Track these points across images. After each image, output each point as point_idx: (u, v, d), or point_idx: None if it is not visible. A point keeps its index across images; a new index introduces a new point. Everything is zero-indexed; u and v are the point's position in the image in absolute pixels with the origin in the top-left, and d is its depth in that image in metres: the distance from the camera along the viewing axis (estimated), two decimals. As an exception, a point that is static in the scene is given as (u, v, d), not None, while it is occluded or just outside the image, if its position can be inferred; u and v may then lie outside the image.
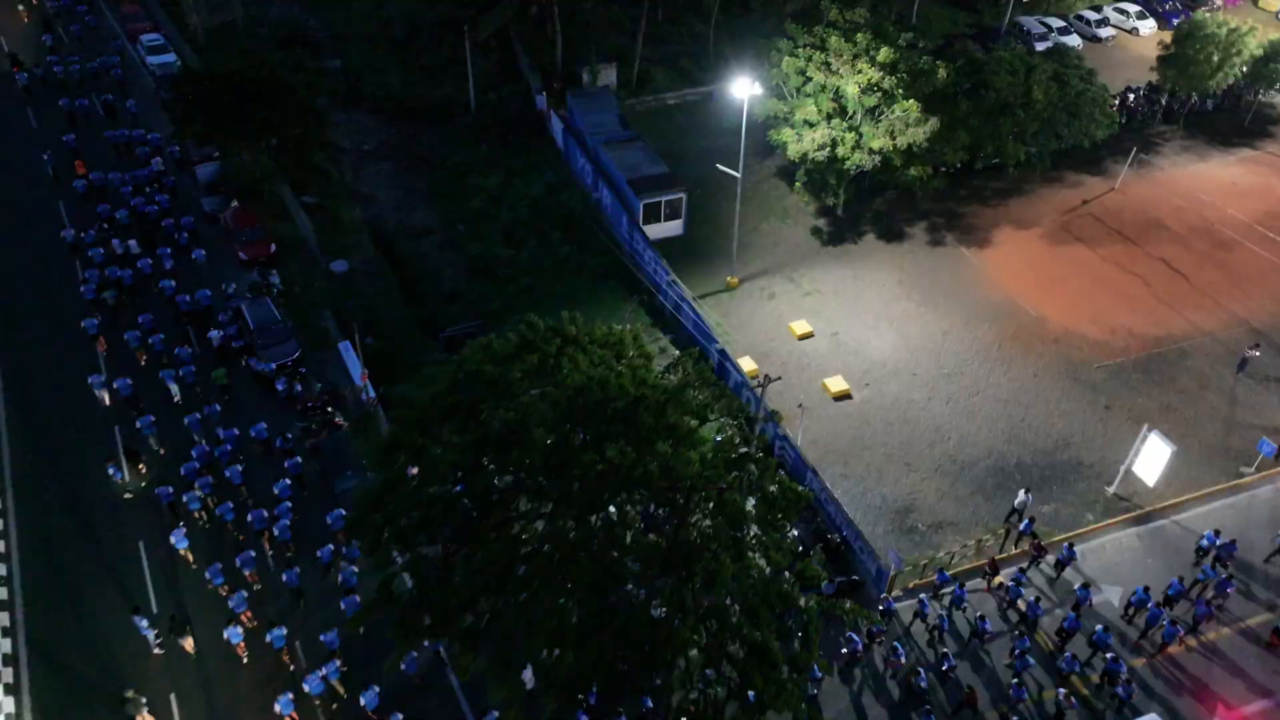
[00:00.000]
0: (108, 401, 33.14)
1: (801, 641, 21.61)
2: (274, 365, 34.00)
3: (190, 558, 28.27)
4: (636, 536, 21.63)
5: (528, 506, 22.91)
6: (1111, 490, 32.55)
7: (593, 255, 43.97)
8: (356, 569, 27.07)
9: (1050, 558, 29.46)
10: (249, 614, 26.62)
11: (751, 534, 22.11)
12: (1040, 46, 56.80)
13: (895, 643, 26.66)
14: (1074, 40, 61.06)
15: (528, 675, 22.60)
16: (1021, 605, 28.11)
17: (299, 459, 30.37)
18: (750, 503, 22.84)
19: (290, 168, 43.36)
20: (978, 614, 27.57)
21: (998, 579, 29.05)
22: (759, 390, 29.02)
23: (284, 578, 27.10)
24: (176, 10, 59.51)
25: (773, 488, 22.88)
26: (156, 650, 25.67)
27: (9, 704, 24.49)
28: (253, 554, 27.76)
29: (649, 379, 24.43)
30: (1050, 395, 36.78)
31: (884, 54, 39.97)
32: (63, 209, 42.16)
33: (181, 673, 25.86)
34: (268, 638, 25.50)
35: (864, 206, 46.76)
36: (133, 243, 39.75)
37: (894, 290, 42.03)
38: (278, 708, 23.92)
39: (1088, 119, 46.42)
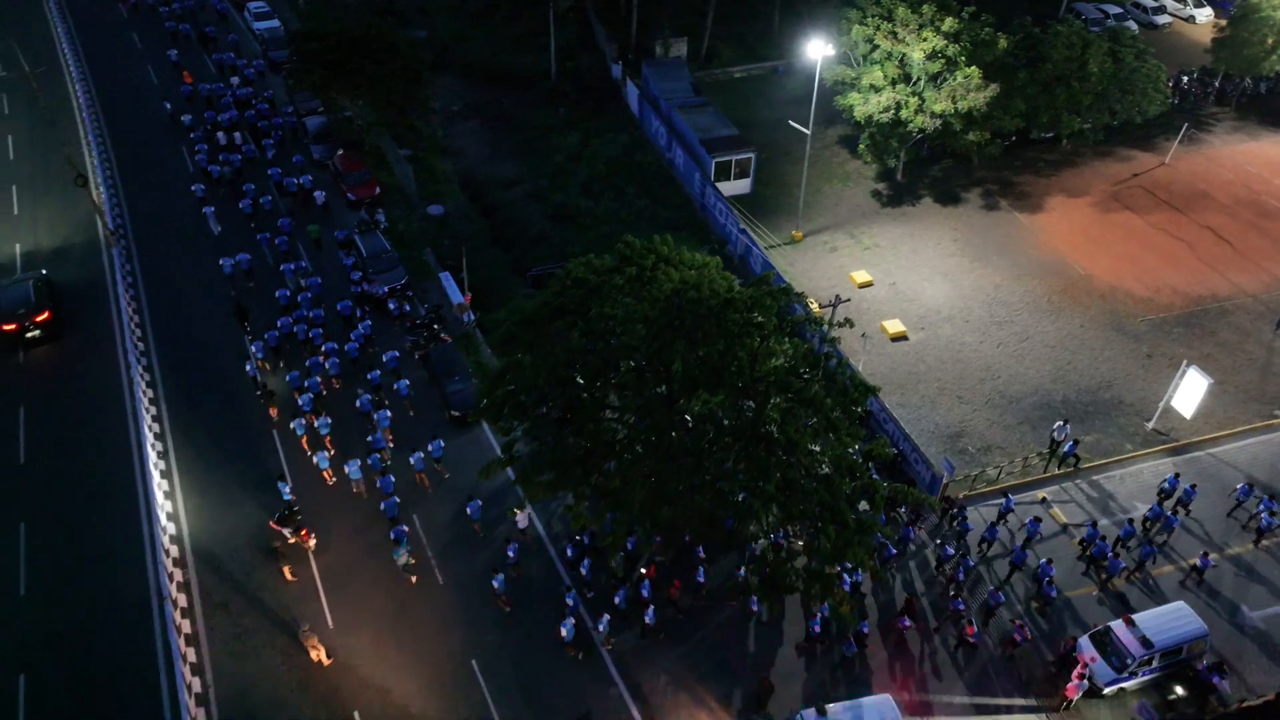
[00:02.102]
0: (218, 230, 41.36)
1: (869, 505, 24.70)
2: (385, 289, 37.73)
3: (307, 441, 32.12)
4: (726, 413, 24.74)
5: (628, 391, 26.18)
6: (1150, 425, 35.07)
7: (666, 209, 47.24)
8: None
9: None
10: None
11: (826, 416, 25.13)
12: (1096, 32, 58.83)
13: (942, 541, 29.54)
14: (1131, 25, 62.79)
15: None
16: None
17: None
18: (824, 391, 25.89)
19: (391, 121, 47.34)
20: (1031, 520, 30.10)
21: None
22: (830, 308, 32.04)
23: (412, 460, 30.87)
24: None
25: (845, 379, 25.93)
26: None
27: (175, 549, 28.44)
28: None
29: (734, 290, 27.59)
30: (1095, 343, 39.31)
31: (948, 23, 42.70)
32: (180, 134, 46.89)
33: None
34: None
35: (922, 173, 49.48)
36: (237, 135, 46.31)
37: (949, 247, 44.76)
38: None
39: (1141, 95, 48.59)
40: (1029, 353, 38.84)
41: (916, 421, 35.30)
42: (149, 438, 31.38)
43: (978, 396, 36.83)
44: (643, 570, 27.24)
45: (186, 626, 26.47)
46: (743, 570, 27.62)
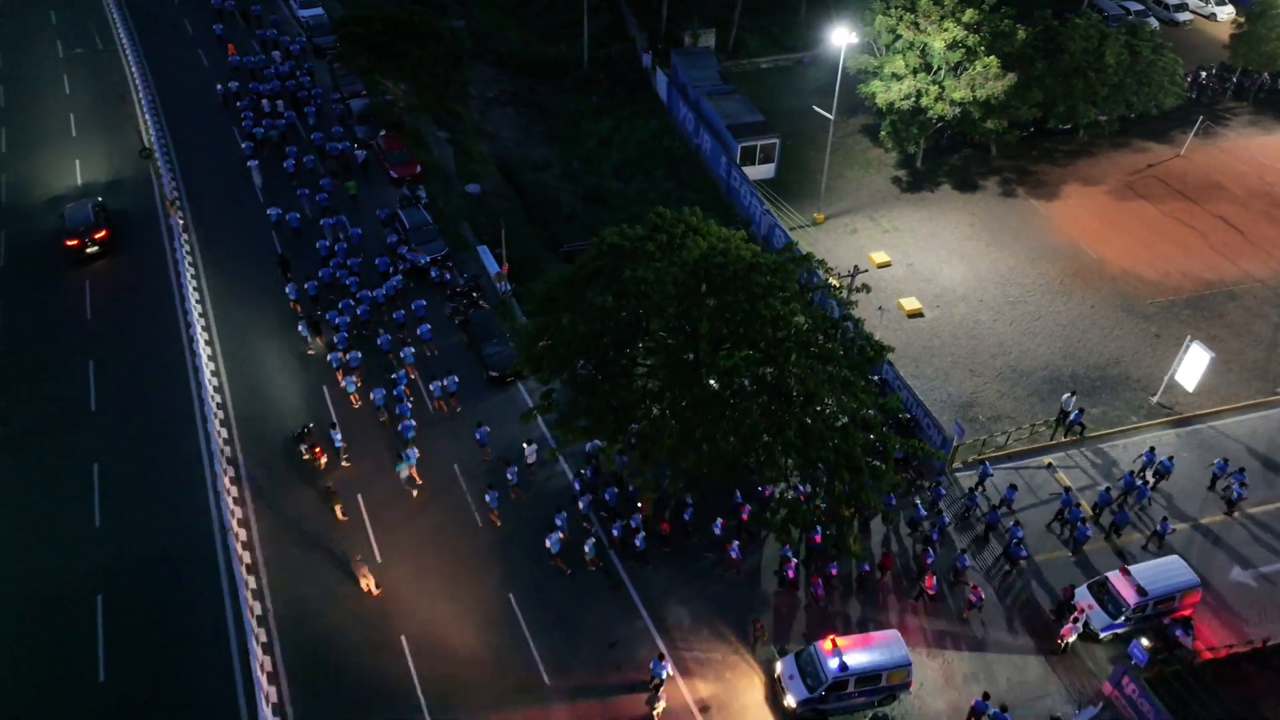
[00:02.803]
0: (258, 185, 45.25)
1: (881, 457, 26.53)
2: (427, 258, 39.92)
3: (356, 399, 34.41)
4: (749, 368, 26.61)
5: (658, 347, 28.16)
6: (1155, 399, 36.60)
7: (693, 191, 49.10)
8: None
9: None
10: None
11: (842, 373, 26.98)
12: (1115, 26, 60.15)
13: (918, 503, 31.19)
14: (1151, 23, 63.96)
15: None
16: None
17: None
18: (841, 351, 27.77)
19: (431, 104, 49.57)
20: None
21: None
22: (849, 278, 33.85)
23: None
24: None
25: (861, 341, 27.79)
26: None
27: (234, 489, 30.76)
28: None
29: (759, 256, 29.50)
30: (1105, 323, 40.84)
31: (969, 15, 44.33)
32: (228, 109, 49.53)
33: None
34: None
35: (941, 161, 51.10)
36: (280, 103, 49.64)
37: (966, 231, 46.39)
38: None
39: (1157, 87, 49.95)
40: (1040, 330, 40.44)
41: (930, 391, 37.00)
42: (203, 358, 34.98)
43: (989, 370, 38.49)
44: (639, 505, 29.65)
45: (247, 557, 28.73)
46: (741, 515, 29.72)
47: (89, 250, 39.94)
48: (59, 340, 36.80)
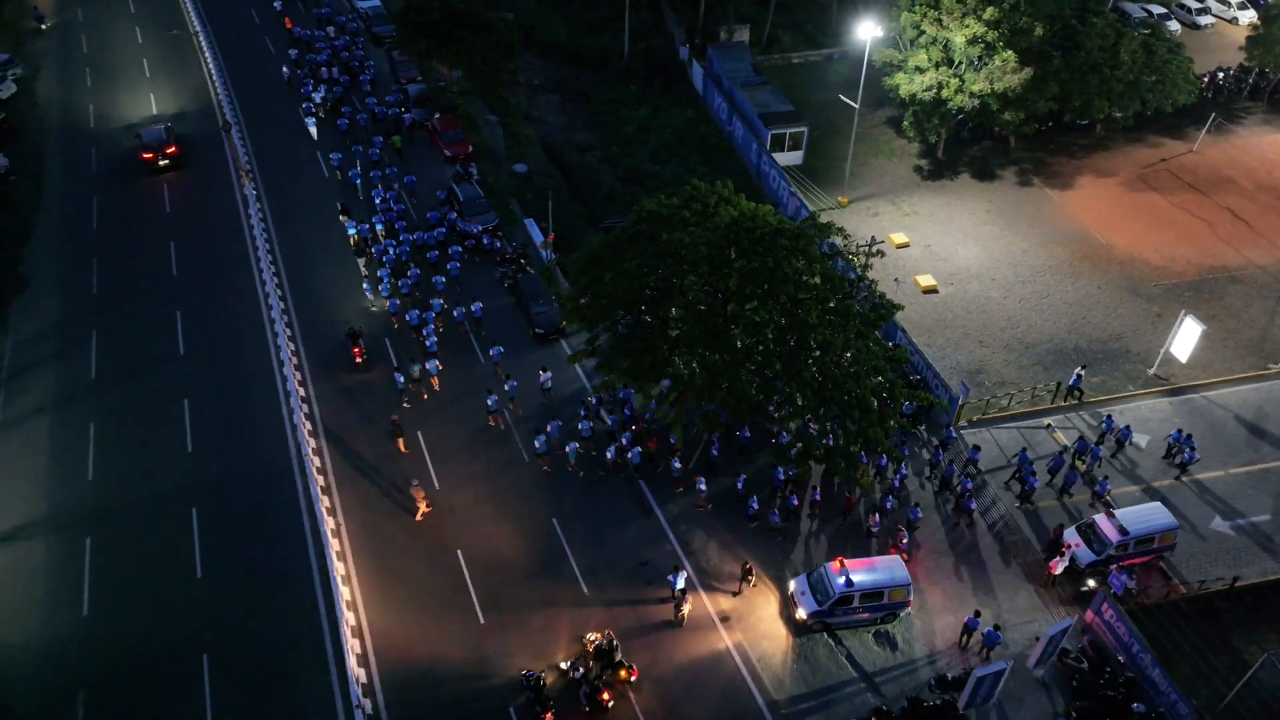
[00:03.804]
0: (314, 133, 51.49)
1: (889, 401, 29.64)
2: (479, 228, 43.50)
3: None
4: (773, 318, 29.77)
5: (691, 299, 31.45)
6: (1152, 371, 39.27)
7: (725, 175, 51.75)
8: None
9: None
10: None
11: (856, 325, 30.08)
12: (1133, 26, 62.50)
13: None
14: (1174, 26, 66.29)
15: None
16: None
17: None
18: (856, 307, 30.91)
19: (483, 89, 53.21)
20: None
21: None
22: (867, 248, 36.88)
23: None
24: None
25: (874, 299, 30.91)
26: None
27: (308, 423, 34.48)
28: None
29: (784, 222, 32.70)
30: (1110, 302, 43.50)
31: (989, 12, 47.11)
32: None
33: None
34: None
35: (961, 152, 53.87)
36: (335, 70, 55.57)
37: (982, 216, 49.19)
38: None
39: (1171, 85, 52.38)
40: (1048, 307, 43.19)
41: (941, 359, 39.91)
42: (276, 302, 39.70)
43: (997, 342, 41.34)
44: (633, 428, 33.86)
45: (321, 480, 32.38)
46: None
47: (161, 163, 48.06)
48: (146, 228, 44.66)
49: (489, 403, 34.50)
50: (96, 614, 28.64)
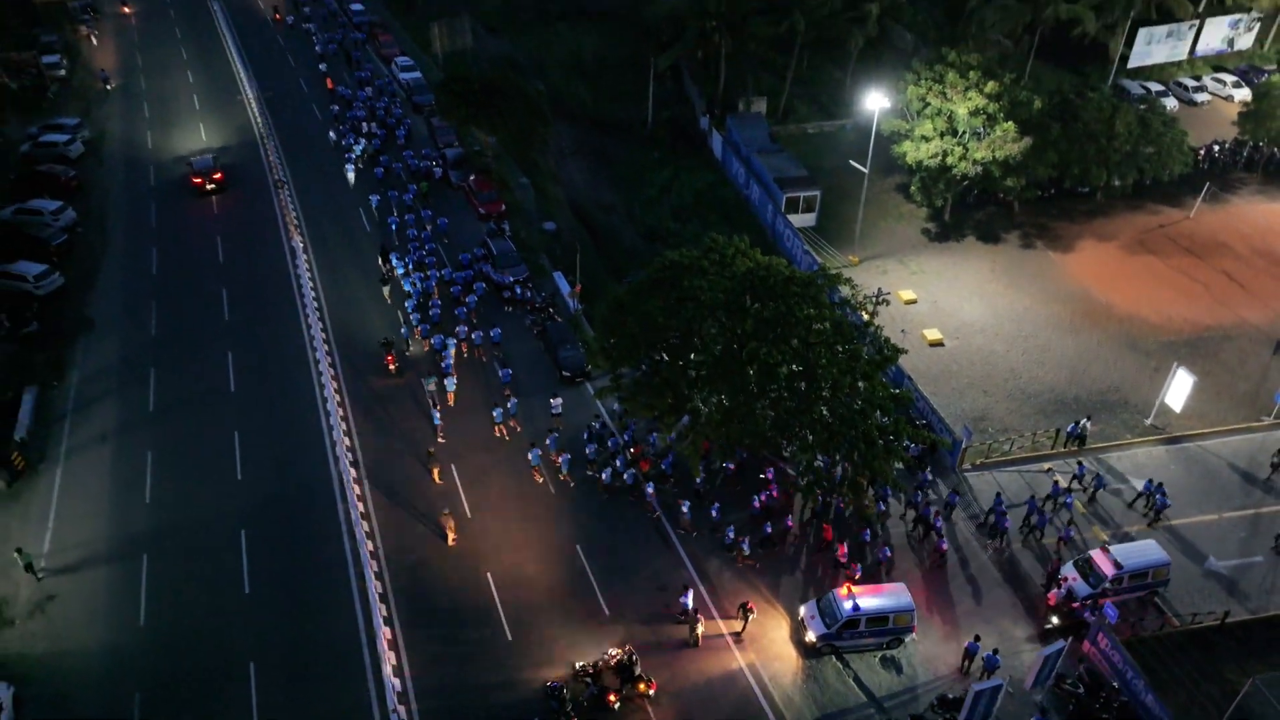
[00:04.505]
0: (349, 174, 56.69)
1: (894, 438, 31.74)
2: (511, 278, 46.48)
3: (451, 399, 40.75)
4: (785, 361, 32.16)
5: (710, 339, 33.94)
6: (1148, 421, 41.15)
7: (742, 233, 54.95)
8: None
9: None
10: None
11: (863, 367, 32.39)
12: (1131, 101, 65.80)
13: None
14: (1171, 102, 69.49)
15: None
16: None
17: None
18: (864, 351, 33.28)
19: (515, 152, 56.90)
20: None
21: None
22: (874, 299, 39.42)
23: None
24: (421, 38, 75.41)
25: (880, 342, 33.29)
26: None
27: (349, 454, 36.91)
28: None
29: (795, 272, 35.34)
30: (1108, 356, 45.60)
31: (990, 86, 50.49)
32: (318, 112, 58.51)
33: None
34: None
35: (967, 216, 56.72)
36: (374, 125, 60.72)
37: (986, 275, 51.74)
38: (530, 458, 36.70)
39: (1167, 155, 55.28)
40: (1049, 360, 45.34)
41: (945, 406, 41.94)
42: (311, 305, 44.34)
43: (1000, 391, 43.43)
44: (631, 450, 36.59)
45: (361, 507, 34.65)
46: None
47: (208, 187, 54.49)
48: (201, 275, 48.30)
49: (494, 415, 38.02)
50: (152, 624, 30.78)
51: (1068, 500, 36.08)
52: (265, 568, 32.63)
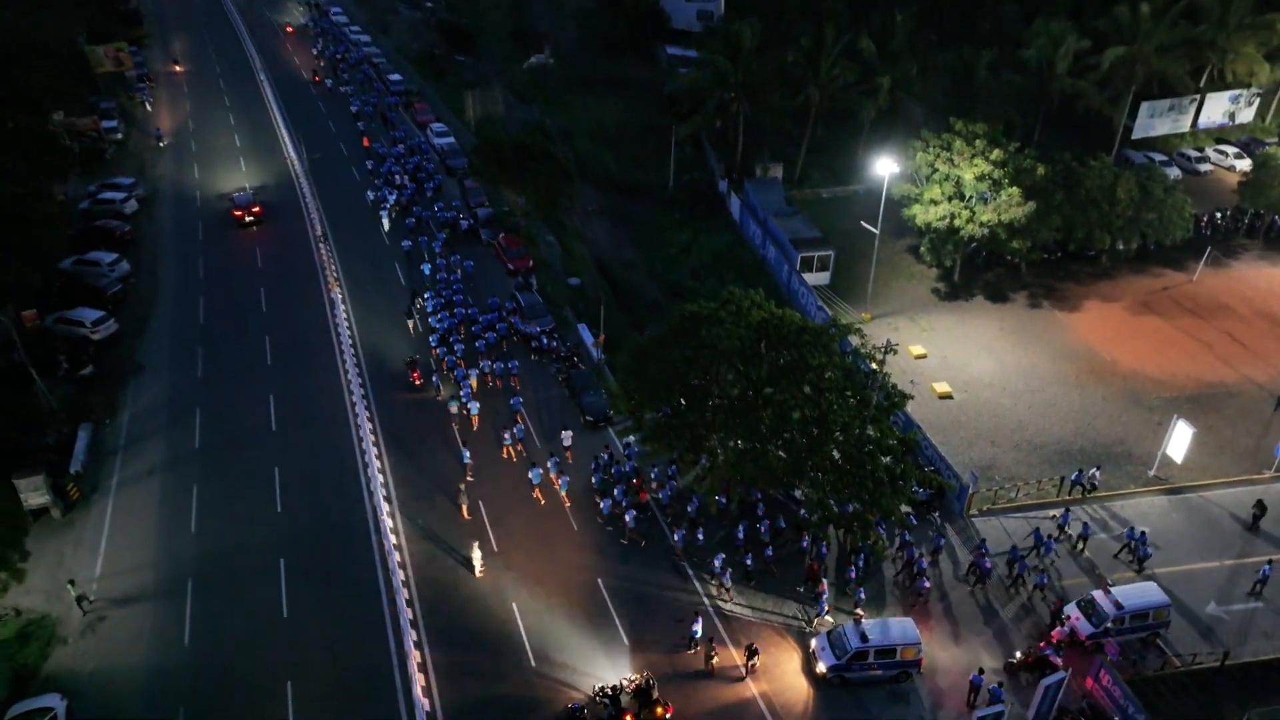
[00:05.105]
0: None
1: (901, 475, 33.40)
2: (538, 329, 48.94)
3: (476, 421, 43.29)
4: (797, 406, 34.14)
5: (727, 385, 35.98)
6: (1151, 472, 42.51)
7: (758, 291, 57.62)
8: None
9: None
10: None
11: (871, 411, 34.25)
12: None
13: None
14: (1174, 171, 72.07)
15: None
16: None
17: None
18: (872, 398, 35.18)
19: (543, 212, 60.01)
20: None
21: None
22: (883, 349, 41.32)
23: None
24: (455, 105, 79.71)
25: (888, 388, 35.19)
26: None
27: (382, 489, 38.89)
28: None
29: (808, 323, 37.51)
30: (1113, 411, 47.15)
31: (996, 154, 53.19)
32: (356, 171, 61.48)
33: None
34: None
35: (976, 277, 58.95)
36: (405, 178, 65.50)
37: (994, 332, 53.69)
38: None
39: (1168, 221, 57.52)
40: (1055, 414, 46.93)
41: (954, 455, 43.50)
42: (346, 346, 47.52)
43: (1008, 443, 44.98)
44: (635, 480, 38.86)
45: (393, 539, 36.48)
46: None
47: (248, 220, 60.41)
48: (244, 323, 51.16)
49: (503, 438, 41.06)
50: (196, 644, 32.53)
51: (1049, 547, 37.24)
52: (303, 594, 34.41)
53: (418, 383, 45.40)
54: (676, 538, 36.23)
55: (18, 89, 63.11)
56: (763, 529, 36.52)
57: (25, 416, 41.58)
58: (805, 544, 36.46)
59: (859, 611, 32.66)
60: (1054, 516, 39.53)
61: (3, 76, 64.96)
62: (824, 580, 34.61)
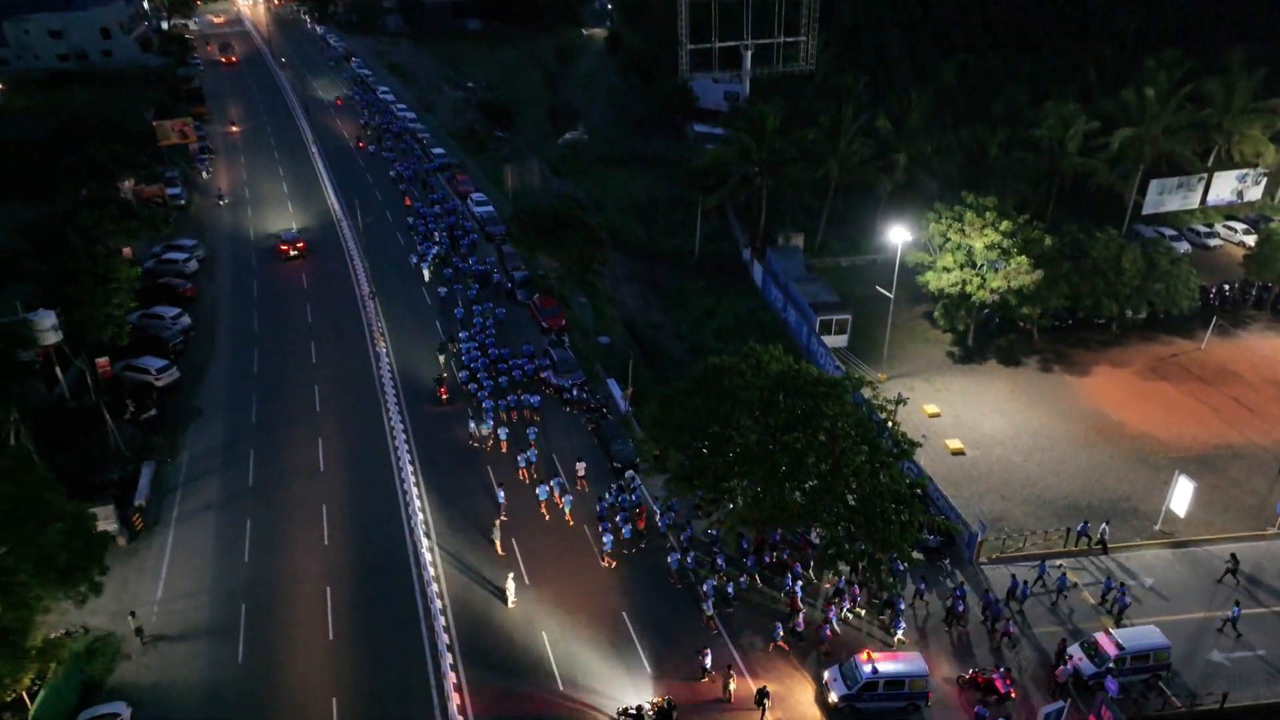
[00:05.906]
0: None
1: (909, 515, 35.52)
2: (570, 382, 51.96)
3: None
4: (813, 452, 36.57)
5: (746, 431, 38.56)
6: (1156, 527, 44.14)
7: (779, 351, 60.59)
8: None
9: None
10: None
11: (882, 457, 36.59)
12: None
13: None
14: (1184, 246, 74.76)
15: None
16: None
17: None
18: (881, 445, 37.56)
19: (576, 275, 63.69)
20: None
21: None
22: (895, 402, 43.88)
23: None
24: (494, 176, 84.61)
25: (898, 436, 37.61)
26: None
27: (422, 520, 41.51)
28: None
29: (823, 375, 40.18)
30: (1121, 469, 48.95)
31: (1005, 225, 56.28)
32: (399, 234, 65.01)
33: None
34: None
35: (989, 341, 61.44)
36: (443, 235, 70.58)
37: (1006, 394, 55.92)
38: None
39: (1175, 291, 59.95)
40: (1064, 471, 48.81)
41: (965, 508, 45.32)
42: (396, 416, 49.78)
43: (1017, 497, 46.86)
44: (637, 510, 41.71)
45: (431, 570, 38.93)
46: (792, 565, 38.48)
47: (292, 254, 68.44)
48: (296, 374, 54.47)
49: (519, 460, 44.98)
50: (248, 663, 34.92)
51: (1024, 592, 38.77)
52: (347, 619, 36.80)
53: (444, 397, 50.60)
54: (671, 561, 38.73)
55: (93, 160, 68.80)
56: (749, 561, 39.14)
57: (98, 453, 44.92)
58: (789, 582, 38.33)
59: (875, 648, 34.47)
60: (1060, 565, 41.18)
61: (79, 148, 70.85)
62: (800, 615, 36.60)
